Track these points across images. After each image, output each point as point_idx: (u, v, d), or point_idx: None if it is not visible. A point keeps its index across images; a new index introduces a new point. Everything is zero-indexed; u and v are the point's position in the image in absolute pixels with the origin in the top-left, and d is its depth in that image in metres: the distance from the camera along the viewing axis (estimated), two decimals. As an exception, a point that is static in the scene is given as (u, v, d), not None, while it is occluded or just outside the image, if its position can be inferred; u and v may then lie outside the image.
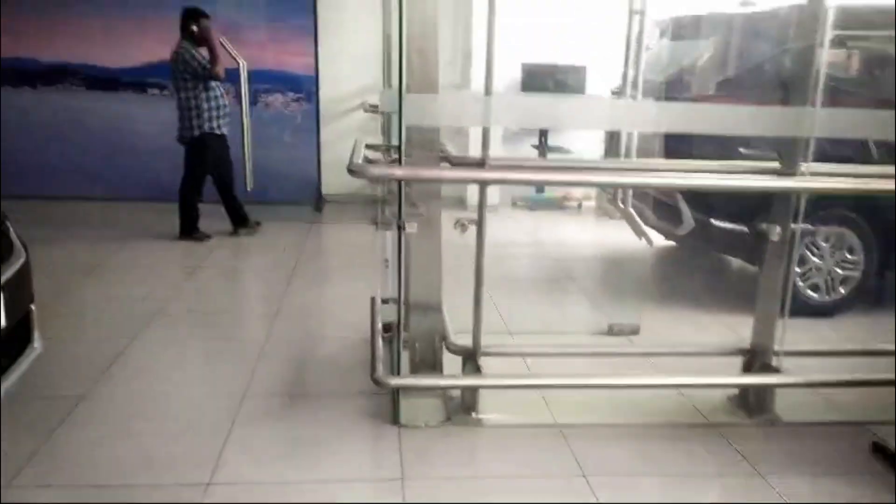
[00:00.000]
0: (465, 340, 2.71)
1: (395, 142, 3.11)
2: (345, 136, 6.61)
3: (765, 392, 2.69)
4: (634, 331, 3.52)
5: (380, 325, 2.98)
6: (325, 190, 6.60)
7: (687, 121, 2.25)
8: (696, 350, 2.96)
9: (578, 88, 6.65)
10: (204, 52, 4.84)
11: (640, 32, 3.06)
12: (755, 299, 2.73)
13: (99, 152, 6.28)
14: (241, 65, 5.31)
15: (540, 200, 6.65)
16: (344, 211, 6.44)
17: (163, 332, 3.36)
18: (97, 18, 6.03)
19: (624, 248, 5.30)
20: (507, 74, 6.28)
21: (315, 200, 6.50)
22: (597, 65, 6.57)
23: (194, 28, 4.84)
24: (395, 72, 4.07)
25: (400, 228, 2.31)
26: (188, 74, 4.81)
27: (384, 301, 3.33)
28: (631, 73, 3.00)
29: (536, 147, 6.60)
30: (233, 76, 5.66)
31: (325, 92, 6.41)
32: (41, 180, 6.19)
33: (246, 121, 5.65)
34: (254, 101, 6.07)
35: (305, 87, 6.32)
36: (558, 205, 6.69)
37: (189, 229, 5.04)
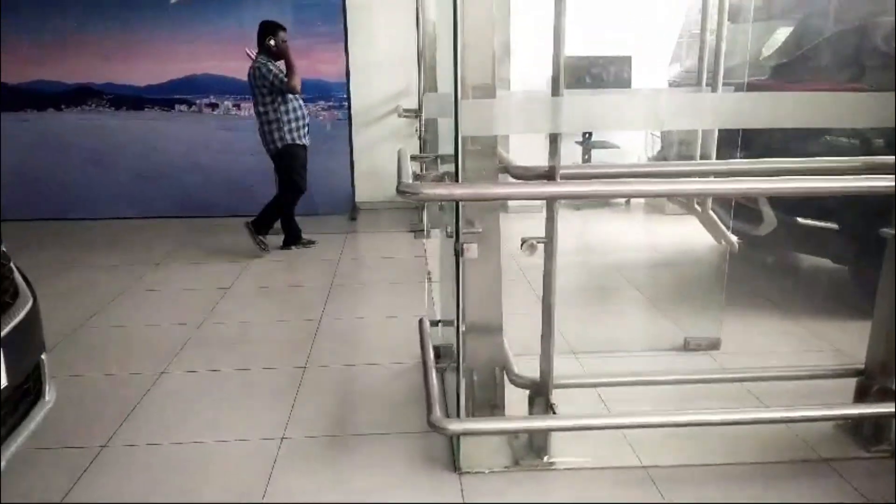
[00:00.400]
0: (525, 366, 2.39)
1: (441, 150, 2.82)
2: (379, 143, 6.38)
3: (883, 420, 2.31)
4: (714, 345, 3.15)
5: (431, 355, 2.67)
6: (358, 198, 6.38)
7: (805, 113, 1.88)
8: (800, 373, 2.57)
9: (624, 81, 6.26)
10: (281, 65, 4.79)
11: (722, 14, 2.69)
12: (873, 311, 2.34)
13: (128, 171, 6.16)
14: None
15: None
16: (379, 219, 6.21)
17: (191, 364, 3.11)
18: (119, 37, 5.89)
19: (682, 247, 4.92)
20: (547, 69, 5.94)
21: (349, 210, 6.27)
22: (642, 54, 6.22)
23: (271, 42, 4.75)
24: (441, 75, 3.73)
25: (458, 253, 2.00)
26: (265, 88, 4.73)
27: (433, 323, 3.03)
28: (708, 61, 2.65)
29: (580, 143, 6.23)
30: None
31: (357, 98, 6.17)
32: (70, 202, 6.11)
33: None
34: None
35: (336, 95, 6.08)
36: (605, 202, 6.31)
37: (293, 239, 5.11)
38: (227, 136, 6.17)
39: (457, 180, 1.94)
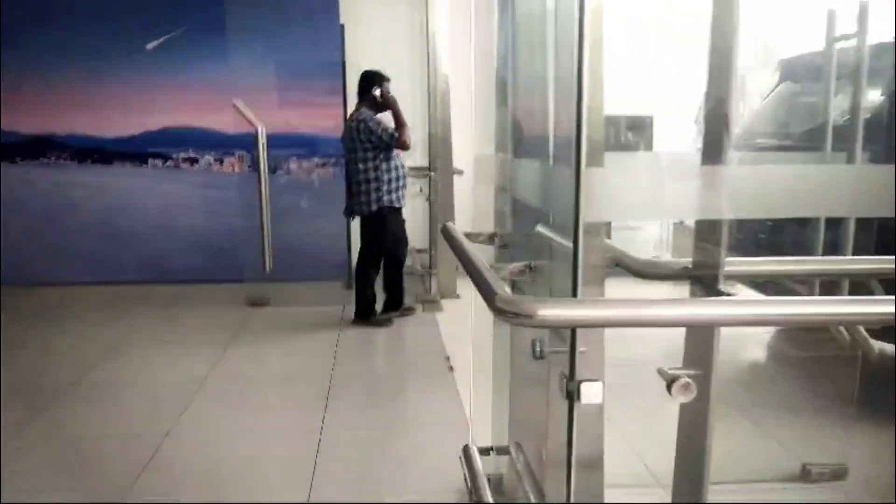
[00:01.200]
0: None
1: (500, 226, 2.16)
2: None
3: None
4: (840, 474, 2.47)
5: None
6: (354, 262, 5.67)
7: None
8: None
9: (644, 144, 5.73)
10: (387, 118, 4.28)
11: (860, 63, 2.13)
12: None
13: (92, 232, 5.41)
14: (258, 130, 4.47)
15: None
16: (377, 287, 5.51)
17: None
18: (86, 84, 5.24)
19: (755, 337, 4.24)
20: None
21: (345, 276, 5.56)
22: (663, 114, 5.72)
23: (377, 92, 4.26)
24: (474, 132, 3.10)
25: (571, 397, 1.31)
26: (370, 144, 4.20)
27: (483, 451, 2.30)
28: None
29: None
30: (248, 142, 4.85)
31: (354, 155, 5.53)
32: (25, 266, 5.31)
33: (264, 191, 4.79)
34: (273, 169, 5.22)
35: (334, 150, 5.44)
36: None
37: (365, 313, 4.46)
38: (208, 194, 5.49)
39: (574, 293, 1.27)
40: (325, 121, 5.33)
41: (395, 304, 4.59)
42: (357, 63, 5.45)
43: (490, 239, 2.06)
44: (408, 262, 5.87)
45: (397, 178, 4.32)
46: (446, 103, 4.75)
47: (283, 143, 5.28)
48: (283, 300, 4.93)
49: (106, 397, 3.27)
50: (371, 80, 4.29)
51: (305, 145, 5.43)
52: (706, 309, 1.20)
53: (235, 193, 5.37)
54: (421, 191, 5.64)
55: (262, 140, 4.55)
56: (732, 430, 3.00)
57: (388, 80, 4.33)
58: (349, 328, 4.43)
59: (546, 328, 1.33)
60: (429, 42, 4.77)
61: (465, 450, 2.28)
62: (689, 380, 1.35)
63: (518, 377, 2.15)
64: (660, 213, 1.39)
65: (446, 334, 4.26)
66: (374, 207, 4.27)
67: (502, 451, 2.28)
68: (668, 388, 1.35)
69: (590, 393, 1.33)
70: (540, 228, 1.82)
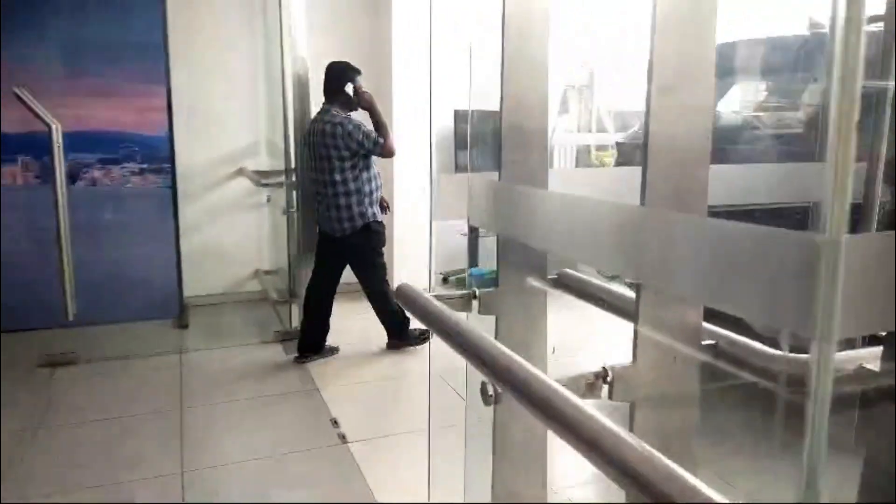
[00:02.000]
0: None
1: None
2: (216, 217, 4.77)
3: None
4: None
5: None
6: (187, 292, 4.64)
7: None
8: None
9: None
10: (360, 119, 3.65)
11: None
12: None
13: None
14: (52, 128, 3.30)
15: (483, 277, 5.13)
16: (220, 322, 4.56)
17: None
18: None
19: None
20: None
21: (175, 313, 4.48)
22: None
23: (349, 90, 3.61)
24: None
25: None
26: (347, 151, 3.54)
27: None
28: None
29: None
30: (35, 144, 3.66)
31: (184, 157, 4.48)
32: None
33: (62, 209, 3.58)
34: (73, 179, 4.01)
35: (154, 153, 4.31)
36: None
37: (400, 332, 3.90)
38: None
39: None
40: (142, 115, 4.21)
41: (313, 346, 3.86)
42: (184, 42, 4.40)
43: (467, 301, 1.36)
44: (258, 286, 4.94)
45: (377, 189, 3.76)
46: (306, 92, 3.95)
47: (85, 145, 4.08)
48: (95, 353, 3.76)
49: None
50: (341, 73, 3.63)
51: (115, 146, 4.25)
52: None
53: (20, 213, 4.07)
54: (268, 200, 4.76)
55: (57, 142, 3.37)
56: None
57: (359, 72, 3.69)
58: (191, 386, 3.44)
59: None
60: (282, 17, 3.89)
61: None
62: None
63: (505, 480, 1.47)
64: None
65: (324, 386, 3.44)
66: (360, 223, 3.66)
67: None
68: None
69: None
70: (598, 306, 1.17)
